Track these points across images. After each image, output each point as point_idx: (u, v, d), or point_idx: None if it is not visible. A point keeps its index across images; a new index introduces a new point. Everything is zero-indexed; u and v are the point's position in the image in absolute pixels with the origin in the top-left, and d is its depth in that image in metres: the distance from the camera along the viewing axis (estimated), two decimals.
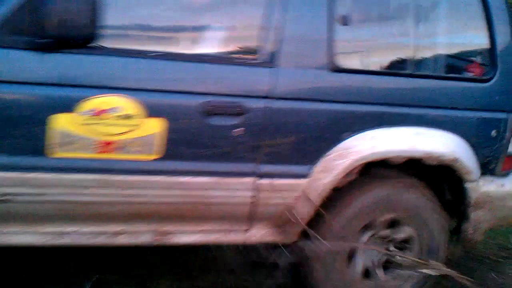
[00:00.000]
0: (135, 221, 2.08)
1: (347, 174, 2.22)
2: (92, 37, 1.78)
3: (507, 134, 2.42)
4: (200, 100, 1.98)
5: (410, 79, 2.29)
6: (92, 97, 1.85)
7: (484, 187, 2.44)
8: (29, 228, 1.96)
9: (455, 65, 2.47)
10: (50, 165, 1.87)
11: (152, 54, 1.93)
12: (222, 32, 2.20)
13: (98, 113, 1.87)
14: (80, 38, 1.77)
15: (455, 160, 2.32)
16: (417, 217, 2.40)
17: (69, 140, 1.87)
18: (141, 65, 1.92)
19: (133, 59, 1.91)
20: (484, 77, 2.41)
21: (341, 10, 2.15)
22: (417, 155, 2.27)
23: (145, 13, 2.02)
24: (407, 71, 2.30)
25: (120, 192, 1.98)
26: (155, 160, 1.98)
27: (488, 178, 2.46)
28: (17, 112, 1.80)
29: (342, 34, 2.16)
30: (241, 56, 2.14)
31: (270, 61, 2.06)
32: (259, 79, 2.06)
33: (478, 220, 2.51)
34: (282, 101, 2.08)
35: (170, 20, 2.08)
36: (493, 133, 2.40)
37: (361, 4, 2.31)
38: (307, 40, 2.11)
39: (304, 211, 2.21)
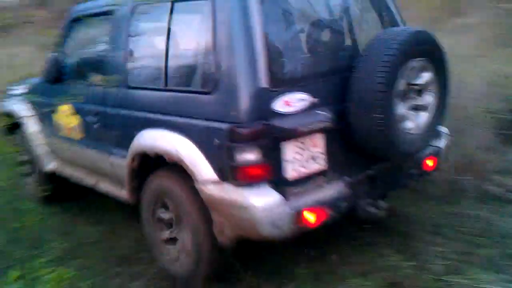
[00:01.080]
0: (90, 172, 3.85)
1: (133, 161, 3.12)
2: (57, 78, 3.79)
3: (229, 143, 2.51)
4: (87, 107, 3.55)
5: (158, 92, 2.93)
6: (60, 104, 3.83)
7: (209, 191, 2.61)
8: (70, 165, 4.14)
9: (187, 78, 2.85)
10: (59, 137, 3.99)
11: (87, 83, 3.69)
12: None
13: (63, 112, 3.83)
14: (48, 80, 3.82)
15: (180, 160, 2.72)
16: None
17: (59, 126, 3.92)
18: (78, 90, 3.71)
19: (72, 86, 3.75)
20: (207, 90, 2.62)
21: (132, 45, 3.15)
22: (159, 152, 2.86)
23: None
24: (156, 86, 2.97)
25: (76, 154, 3.84)
26: (81, 138, 3.71)
27: (226, 185, 2.59)
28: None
29: (131, 60, 3.17)
30: None
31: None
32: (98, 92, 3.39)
33: (220, 224, 2.65)
34: (104, 106, 3.34)
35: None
36: (216, 141, 2.56)
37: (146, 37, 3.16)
38: (118, 66, 3.26)
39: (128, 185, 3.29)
